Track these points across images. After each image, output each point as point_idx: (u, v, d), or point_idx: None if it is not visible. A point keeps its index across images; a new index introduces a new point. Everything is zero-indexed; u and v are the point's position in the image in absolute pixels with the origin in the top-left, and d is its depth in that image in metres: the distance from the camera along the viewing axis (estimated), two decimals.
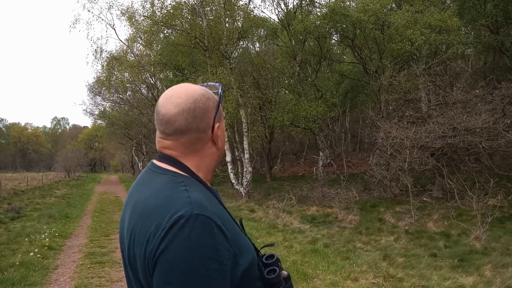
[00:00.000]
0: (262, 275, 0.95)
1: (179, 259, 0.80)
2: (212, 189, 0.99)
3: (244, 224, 1.08)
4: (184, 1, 15.21)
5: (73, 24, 19.70)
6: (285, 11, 19.21)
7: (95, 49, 20.95)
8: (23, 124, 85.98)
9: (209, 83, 1.05)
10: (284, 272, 1.00)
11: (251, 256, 0.93)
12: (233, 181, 15.35)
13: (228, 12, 14.73)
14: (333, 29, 15.42)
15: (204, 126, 0.96)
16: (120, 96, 29.04)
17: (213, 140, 0.99)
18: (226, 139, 15.00)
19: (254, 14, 16.33)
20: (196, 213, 0.82)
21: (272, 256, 1.01)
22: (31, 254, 6.13)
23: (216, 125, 0.98)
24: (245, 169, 15.38)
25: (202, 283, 0.79)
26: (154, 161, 1.00)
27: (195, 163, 0.97)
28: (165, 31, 16.67)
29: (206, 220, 0.82)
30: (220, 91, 1.03)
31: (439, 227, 8.65)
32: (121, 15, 18.58)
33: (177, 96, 0.95)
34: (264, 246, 1.15)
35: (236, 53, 17.56)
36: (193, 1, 14.89)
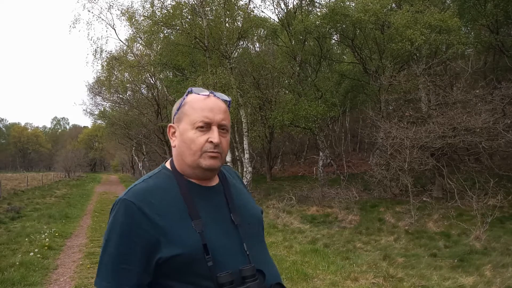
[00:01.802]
0: (213, 274, 0.95)
1: (106, 232, 1.02)
2: (186, 184, 1.07)
3: None
4: (184, 1, 15.20)
5: (73, 24, 19.81)
6: (285, 11, 19.20)
7: (95, 49, 20.95)
8: (23, 124, 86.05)
9: (196, 88, 1.16)
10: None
11: (181, 250, 0.96)
12: None
13: (228, 12, 14.72)
14: (333, 29, 15.41)
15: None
16: (120, 96, 28.98)
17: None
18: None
19: (254, 14, 16.35)
20: (123, 198, 1.02)
21: None
22: (31, 254, 6.13)
23: (168, 125, 1.12)
24: (245, 169, 15.38)
25: (113, 251, 0.98)
26: None
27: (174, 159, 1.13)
28: (165, 31, 16.67)
29: (128, 204, 1.00)
30: (187, 91, 1.12)
31: (439, 227, 8.64)
32: (121, 15, 18.60)
33: None
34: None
35: (236, 53, 17.56)
36: (193, 1, 14.89)
